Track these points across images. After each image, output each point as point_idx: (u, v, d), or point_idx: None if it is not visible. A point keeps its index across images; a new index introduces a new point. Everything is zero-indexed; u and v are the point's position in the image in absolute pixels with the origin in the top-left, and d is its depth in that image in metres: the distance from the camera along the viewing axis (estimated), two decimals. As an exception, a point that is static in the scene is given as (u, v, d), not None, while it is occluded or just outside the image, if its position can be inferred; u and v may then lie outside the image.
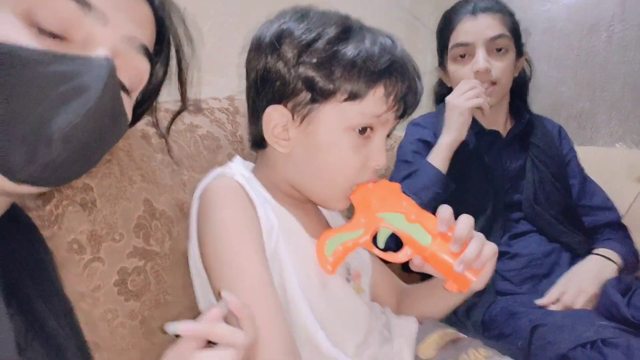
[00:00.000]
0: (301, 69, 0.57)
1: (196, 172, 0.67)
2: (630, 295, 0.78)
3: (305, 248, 0.61)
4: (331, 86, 0.57)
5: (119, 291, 0.50)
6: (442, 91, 1.15)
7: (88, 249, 0.50)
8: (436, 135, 1.01)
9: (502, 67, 0.98)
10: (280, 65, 0.58)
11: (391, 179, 0.97)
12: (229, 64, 0.89)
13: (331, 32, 0.58)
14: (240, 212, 0.57)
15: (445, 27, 1.05)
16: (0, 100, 0.35)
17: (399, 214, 0.60)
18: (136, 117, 0.51)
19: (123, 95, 0.42)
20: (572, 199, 1.02)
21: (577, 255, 0.94)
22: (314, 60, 0.57)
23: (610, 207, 1.03)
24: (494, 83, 0.98)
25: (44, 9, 0.37)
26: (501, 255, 0.88)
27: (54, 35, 0.38)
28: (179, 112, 0.58)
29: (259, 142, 0.64)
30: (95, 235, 0.51)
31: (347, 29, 0.59)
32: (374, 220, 0.60)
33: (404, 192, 0.64)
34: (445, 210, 0.59)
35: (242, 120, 0.83)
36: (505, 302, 0.88)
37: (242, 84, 0.66)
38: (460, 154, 0.95)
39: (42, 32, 0.37)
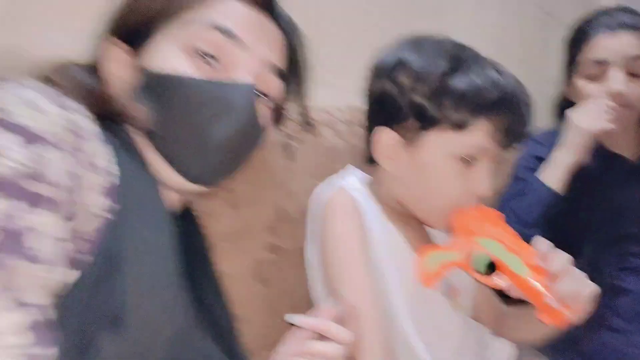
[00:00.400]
0: (413, 97, 0.63)
1: (320, 180, 0.77)
2: None
3: (408, 261, 0.67)
4: (439, 116, 0.62)
5: (253, 276, 0.62)
6: (565, 107, 1.10)
7: (232, 240, 0.63)
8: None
9: (639, 92, 0.92)
10: (394, 91, 0.64)
11: (503, 196, 0.97)
12: (350, 66, 0.98)
13: (444, 65, 0.62)
14: (354, 227, 0.65)
15: (578, 40, 0.99)
16: (175, 118, 0.47)
17: (497, 242, 0.63)
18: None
19: (262, 108, 0.52)
20: None
21: None
22: (426, 90, 0.62)
23: None
24: (626, 107, 0.92)
25: (199, 40, 0.48)
26: (613, 289, 0.84)
27: (209, 56, 0.48)
28: (301, 125, 0.66)
29: (370, 158, 0.71)
30: (237, 230, 0.64)
31: (459, 62, 0.63)
32: (471, 244, 0.63)
33: (507, 213, 0.66)
34: (542, 243, 0.60)
35: (360, 130, 0.90)
36: (615, 340, 0.85)
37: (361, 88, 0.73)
38: (576, 175, 0.91)
39: (199, 55, 0.48)
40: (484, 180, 0.63)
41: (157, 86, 0.48)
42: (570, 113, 0.92)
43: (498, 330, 0.77)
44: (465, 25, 1.33)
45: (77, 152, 0.38)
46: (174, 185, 0.50)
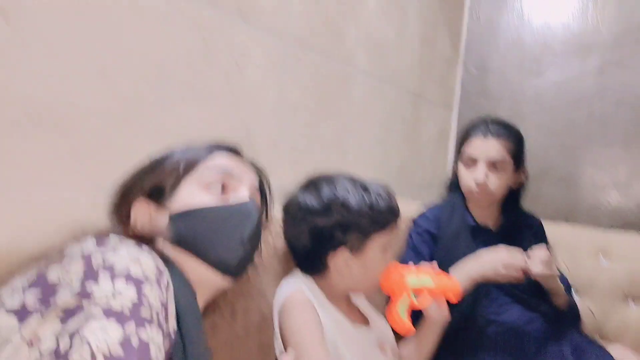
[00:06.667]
0: (351, 224, 0.92)
1: (276, 280, 1.01)
2: None
3: (350, 332, 0.96)
4: (372, 227, 0.93)
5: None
6: (455, 181, 1.42)
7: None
8: (439, 226, 1.32)
9: (497, 182, 1.27)
10: (332, 225, 0.91)
11: (401, 260, 1.27)
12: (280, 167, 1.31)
13: (363, 198, 0.93)
14: (310, 318, 0.88)
15: (463, 137, 1.35)
16: (213, 235, 0.68)
17: (413, 275, 0.99)
18: None
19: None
20: None
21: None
22: (357, 217, 0.92)
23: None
24: (487, 193, 1.28)
25: (211, 179, 0.71)
26: (489, 324, 1.21)
27: (220, 186, 0.71)
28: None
29: (323, 273, 0.96)
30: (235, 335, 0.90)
31: (365, 193, 0.94)
32: (405, 286, 0.97)
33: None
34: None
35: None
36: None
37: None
38: (457, 248, 1.26)
39: (213, 190, 0.70)
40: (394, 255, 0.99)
41: (191, 218, 0.68)
42: (483, 255, 1.18)
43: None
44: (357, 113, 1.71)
45: (161, 284, 0.53)
46: (209, 284, 0.70)
